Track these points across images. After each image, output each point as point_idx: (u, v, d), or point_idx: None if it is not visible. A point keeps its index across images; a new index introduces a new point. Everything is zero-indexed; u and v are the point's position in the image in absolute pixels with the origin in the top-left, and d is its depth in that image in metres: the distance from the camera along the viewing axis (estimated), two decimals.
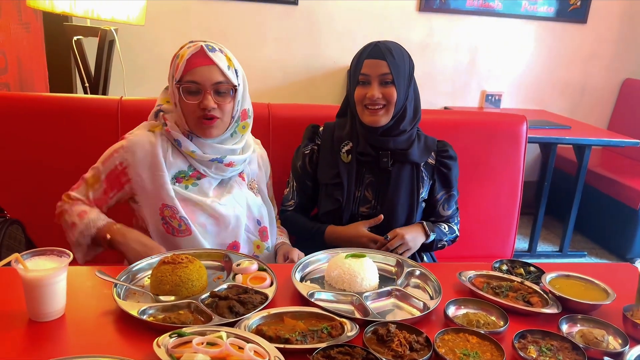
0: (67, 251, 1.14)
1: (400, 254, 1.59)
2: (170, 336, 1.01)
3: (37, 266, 1.10)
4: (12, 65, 2.60)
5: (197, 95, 1.49)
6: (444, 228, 1.78)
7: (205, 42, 1.52)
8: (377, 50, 1.62)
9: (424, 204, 1.77)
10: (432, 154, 1.76)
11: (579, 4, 3.98)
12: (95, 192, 1.54)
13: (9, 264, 1.08)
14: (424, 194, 1.75)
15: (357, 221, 1.72)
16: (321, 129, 1.82)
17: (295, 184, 1.82)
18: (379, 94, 1.62)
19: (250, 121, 1.63)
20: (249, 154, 1.66)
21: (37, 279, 1.08)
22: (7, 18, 2.55)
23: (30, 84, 2.81)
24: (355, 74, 1.66)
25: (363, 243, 1.65)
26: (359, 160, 1.72)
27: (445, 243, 1.78)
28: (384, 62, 1.60)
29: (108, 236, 1.45)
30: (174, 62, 1.53)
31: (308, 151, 1.80)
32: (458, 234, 1.83)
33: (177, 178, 1.55)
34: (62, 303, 1.12)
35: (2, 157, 1.88)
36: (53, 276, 1.09)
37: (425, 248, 1.75)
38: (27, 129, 1.89)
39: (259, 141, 1.80)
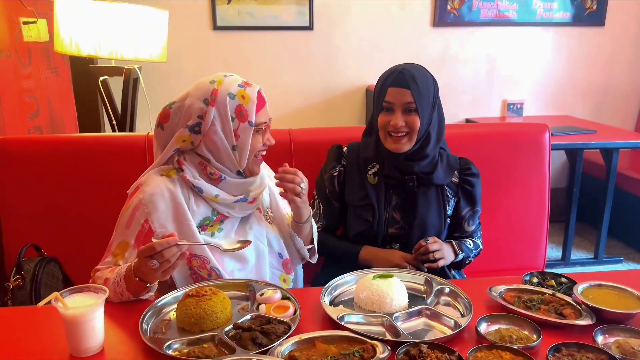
0: (104, 287, 1.18)
1: (434, 262, 1.61)
2: None
3: (75, 303, 1.14)
4: (43, 109, 2.71)
5: (259, 133, 1.48)
6: (469, 244, 1.79)
7: (247, 81, 1.49)
8: (402, 79, 1.60)
9: (449, 221, 1.79)
10: (455, 172, 1.76)
11: (595, 7, 3.95)
12: (126, 260, 1.41)
13: (49, 302, 1.12)
14: (449, 211, 1.77)
15: (387, 242, 1.76)
16: (345, 149, 1.82)
17: (321, 206, 1.82)
18: (402, 122, 1.61)
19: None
20: (266, 183, 1.59)
21: (76, 316, 1.12)
22: (37, 65, 2.67)
23: (60, 125, 2.92)
24: (379, 101, 1.65)
25: (397, 261, 1.66)
26: (385, 182, 1.73)
27: (472, 259, 1.80)
28: (408, 91, 1.59)
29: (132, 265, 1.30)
30: (230, 101, 1.42)
31: (336, 173, 1.79)
32: (482, 247, 1.85)
33: (202, 226, 1.47)
34: (100, 338, 1.16)
35: (36, 197, 1.94)
36: (91, 312, 1.13)
37: (455, 266, 1.78)
38: (59, 169, 1.95)
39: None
